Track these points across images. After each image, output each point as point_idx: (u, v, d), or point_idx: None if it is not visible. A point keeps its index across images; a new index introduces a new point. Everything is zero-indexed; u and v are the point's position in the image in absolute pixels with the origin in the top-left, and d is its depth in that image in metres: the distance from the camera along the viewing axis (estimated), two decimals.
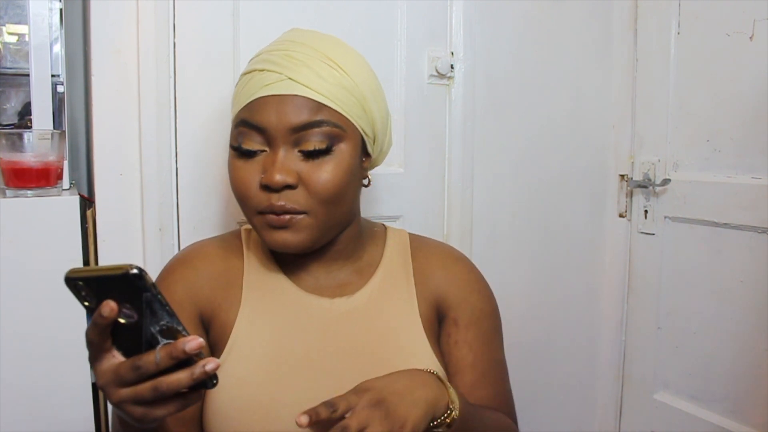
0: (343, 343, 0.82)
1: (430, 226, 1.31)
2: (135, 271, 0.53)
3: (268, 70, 0.78)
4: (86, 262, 1.05)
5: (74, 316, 0.98)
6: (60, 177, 1.02)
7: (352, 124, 0.79)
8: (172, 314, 0.56)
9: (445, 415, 0.70)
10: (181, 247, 1.11)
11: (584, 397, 1.55)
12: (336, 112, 0.77)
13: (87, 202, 1.11)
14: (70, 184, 1.09)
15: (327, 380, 0.79)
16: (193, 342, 0.55)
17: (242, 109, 0.79)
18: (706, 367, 1.33)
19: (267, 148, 0.78)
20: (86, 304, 0.57)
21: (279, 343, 0.81)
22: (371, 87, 0.82)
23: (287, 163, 0.76)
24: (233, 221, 1.14)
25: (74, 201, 0.98)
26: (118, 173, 1.07)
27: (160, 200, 1.09)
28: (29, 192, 0.97)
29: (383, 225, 0.95)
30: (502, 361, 0.90)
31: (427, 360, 0.83)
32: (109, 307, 0.54)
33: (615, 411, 1.54)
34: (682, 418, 1.38)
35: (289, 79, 0.76)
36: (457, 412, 0.71)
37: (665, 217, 1.40)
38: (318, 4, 1.17)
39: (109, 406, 1.07)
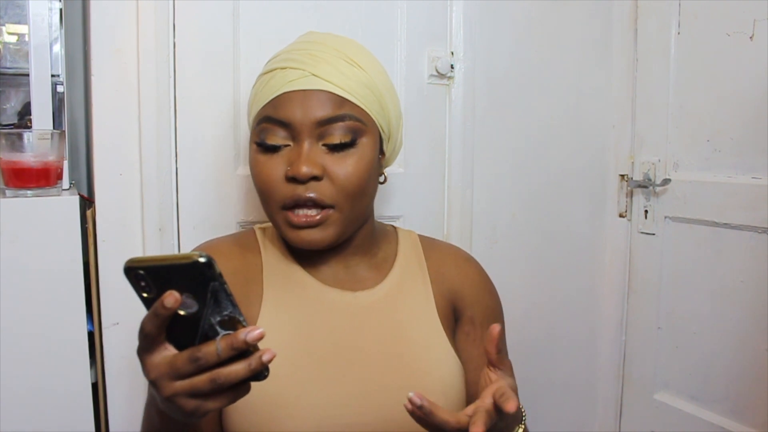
0: (367, 336, 0.83)
1: (430, 226, 1.31)
2: (203, 259, 0.52)
3: (291, 68, 0.79)
4: (86, 263, 1.05)
5: (74, 316, 0.98)
6: (60, 177, 1.02)
7: (372, 120, 0.82)
8: (235, 304, 0.55)
9: None
10: (182, 248, 1.11)
11: (584, 397, 1.55)
12: (358, 107, 0.80)
13: (87, 202, 1.11)
14: (70, 184, 1.09)
15: (353, 373, 0.80)
16: (255, 332, 0.54)
17: (265, 106, 0.80)
18: (706, 367, 1.33)
19: (291, 143, 0.79)
20: (145, 295, 0.55)
21: (304, 337, 0.81)
22: (387, 85, 0.85)
23: (313, 156, 0.78)
24: (233, 221, 1.14)
25: (74, 201, 0.98)
26: (118, 173, 1.07)
27: (160, 200, 1.09)
28: (29, 192, 0.97)
29: (393, 226, 0.97)
30: (507, 356, 0.93)
31: (446, 352, 0.86)
32: (174, 297, 0.53)
33: (615, 411, 1.54)
34: (682, 418, 1.38)
35: (313, 75, 0.78)
36: None
37: (665, 217, 1.40)
38: (318, 4, 1.17)
39: (111, 407, 1.07)
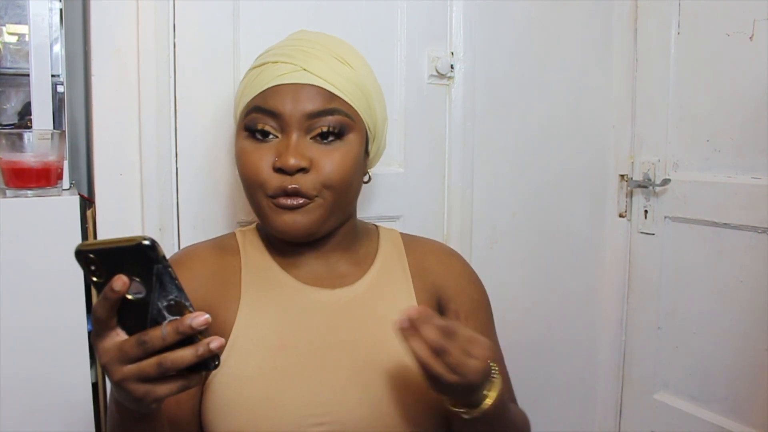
0: (346, 333, 0.83)
1: (430, 226, 1.31)
2: (147, 242, 0.53)
3: (282, 62, 0.80)
4: None
5: (74, 316, 0.98)
6: (60, 177, 1.02)
7: (360, 118, 0.83)
8: (180, 288, 0.56)
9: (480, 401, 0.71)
10: (181, 247, 1.11)
11: (584, 397, 1.55)
12: (347, 103, 0.81)
13: (87, 202, 1.11)
14: (70, 184, 1.09)
15: (332, 371, 0.80)
16: (200, 318, 0.55)
17: (254, 97, 0.81)
18: (706, 367, 1.33)
19: (279, 134, 0.80)
20: (95, 279, 0.56)
21: (282, 337, 0.81)
22: (375, 86, 0.86)
23: (301, 148, 0.78)
24: (233, 221, 1.14)
25: (74, 201, 0.98)
26: (118, 173, 1.07)
27: (160, 200, 1.09)
28: (29, 192, 0.97)
29: (375, 224, 0.97)
30: (498, 347, 0.94)
31: None
32: (121, 281, 0.54)
33: (615, 411, 1.54)
34: (682, 418, 1.38)
35: (304, 69, 0.79)
36: (489, 406, 0.71)
37: (665, 217, 1.40)
38: (318, 4, 1.17)
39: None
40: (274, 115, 0.79)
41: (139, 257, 0.54)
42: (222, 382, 0.78)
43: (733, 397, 1.28)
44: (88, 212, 1.07)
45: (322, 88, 0.79)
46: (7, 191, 0.98)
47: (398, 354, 0.82)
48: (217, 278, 0.84)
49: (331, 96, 0.79)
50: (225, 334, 0.81)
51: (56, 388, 0.97)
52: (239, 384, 0.78)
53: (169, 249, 1.10)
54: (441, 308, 0.90)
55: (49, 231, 0.96)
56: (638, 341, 1.48)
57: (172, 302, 0.56)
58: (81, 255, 0.56)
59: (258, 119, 0.80)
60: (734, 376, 1.28)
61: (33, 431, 0.97)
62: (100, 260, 0.56)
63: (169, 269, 0.55)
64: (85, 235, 1.05)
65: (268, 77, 0.80)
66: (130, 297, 0.56)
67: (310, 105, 0.78)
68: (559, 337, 1.51)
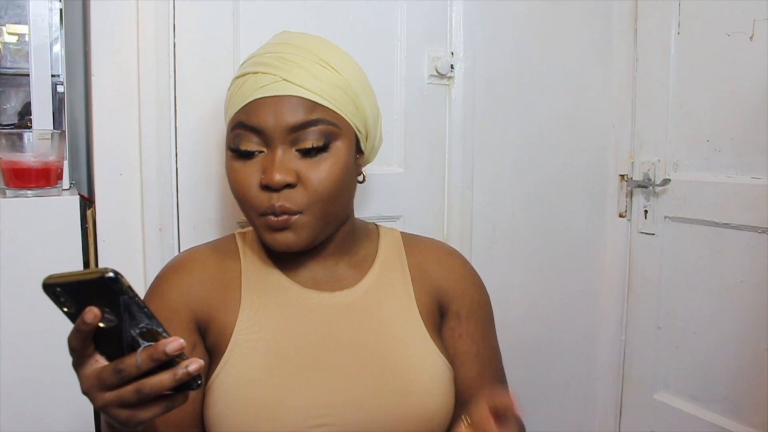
0: (346, 336, 0.83)
1: (430, 226, 1.31)
2: (111, 274, 0.53)
3: (262, 72, 0.79)
4: (86, 262, 1.05)
5: None
6: (60, 177, 1.02)
7: (347, 122, 0.81)
8: (151, 316, 0.56)
9: None
10: (182, 247, 1.11)
11: (584, 397, 1.55)
12: (331, 110, 0.79)
13: (87, 202, 1.11)
14: (70, 184, 1.09)
15: (333, 374, 0.80)
16: (174, 343, 0.55)
17: (238, 111, 0.80)
18: (706, 367, 1.33)
19: (265, 149, 0.79)
20: (65, 310, 0.57)
21: (282, 340, 0.81)
22: (362, 85, 0.84)
23: (286, 163, 0.77)
24: (233, 221, 1.14)
25: (74, 201, 0.98)
26: (118, 173, 1.07)
27: (160, 200, 1.09)
28: (29, 192, 0.97)
29: (375, 224, 0.97)
30: (497, 348, 0.94)
31: (428, 350, 0.85)
32: (93, 313, 0.54)
33: (615, 411, 1.54)
34: (682, 418, 1.38)
35: (284, 80, 0.78)
36: None
37: (665, 217, 1.40)
38: (318, 4, 1.17)
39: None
40: (256, 130, 0.78)
41: (104, 289, 0.54)
42: (223, 385, 0.79)
43: (733, 397, 1.28)
44: (88, 212, 1.07)
45: (303, 98, 0.78)
46: (7, 191, 0.98)
47: (398, 356, 0.83)
48: (217, 282, 0.84)
49: (314, 105, 0.78)
50: (225, 338, 0.81)
51: (56, 388, 0.97)
52: (240, 387, 0.78)
53: (169, 249, 1.10)
54: (442, 309, 0.90)
55: (49, 231, 0.96)
56: (638, 341, 1.48)
57: (144, 329, 0.56)
58: (48, 288, 0.55)
59: (242, 136, 0.79)
60: (734, 376, 1.28)
61: (33, 431, 0.97)
62: (66, 293, 0.55)
63: (136, 299, 0.55)
64: (85, 234, 1.05)
65: (249, 89, 0.79)
66: (103, 325, 0.56)
67: (293, 117, 0.77)
68: (559, 337, 1.51)
